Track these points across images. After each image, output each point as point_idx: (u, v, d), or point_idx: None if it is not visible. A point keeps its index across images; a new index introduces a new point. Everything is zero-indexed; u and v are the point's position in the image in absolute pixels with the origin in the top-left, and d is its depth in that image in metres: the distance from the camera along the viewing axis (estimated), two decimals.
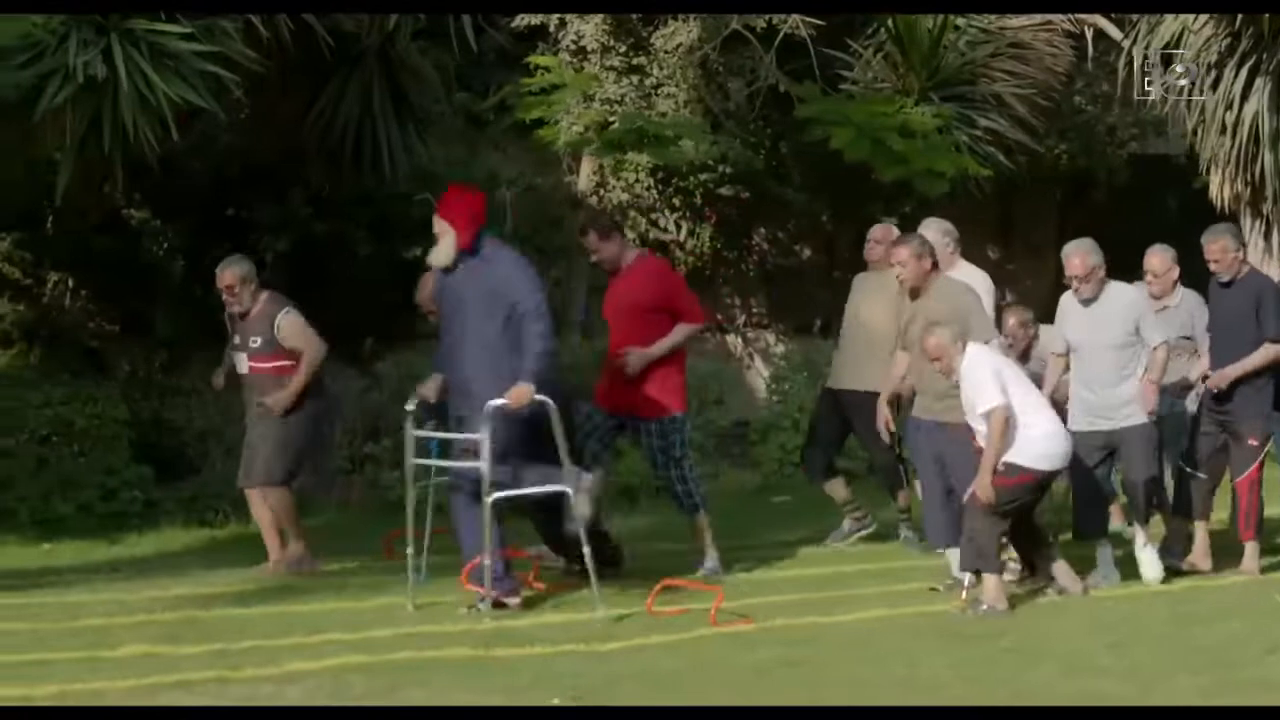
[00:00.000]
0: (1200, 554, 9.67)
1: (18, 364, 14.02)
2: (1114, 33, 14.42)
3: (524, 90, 13.51)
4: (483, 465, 8.46)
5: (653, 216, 15.28)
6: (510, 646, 8.10)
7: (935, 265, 9.11)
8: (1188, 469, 9.71)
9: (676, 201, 15.24)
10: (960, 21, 13.90)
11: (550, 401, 8.55)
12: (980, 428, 8.69)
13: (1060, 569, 9.13)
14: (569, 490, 8.60)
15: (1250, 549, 9.65)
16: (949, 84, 13.75)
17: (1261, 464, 9.63)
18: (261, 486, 9.88)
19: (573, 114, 14.26)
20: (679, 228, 15.30)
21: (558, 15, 14.46)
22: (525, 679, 7.44)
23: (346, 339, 12.39)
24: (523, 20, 14.41)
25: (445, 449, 9.02)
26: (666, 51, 14.66)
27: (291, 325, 9.90)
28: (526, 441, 8.63)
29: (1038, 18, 14.23)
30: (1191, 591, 9.30)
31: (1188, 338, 9.95)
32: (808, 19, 13.80)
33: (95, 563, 10.52)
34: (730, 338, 16.14)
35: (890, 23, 13.89)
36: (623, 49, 14.66)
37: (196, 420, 12.55)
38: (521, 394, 8.43)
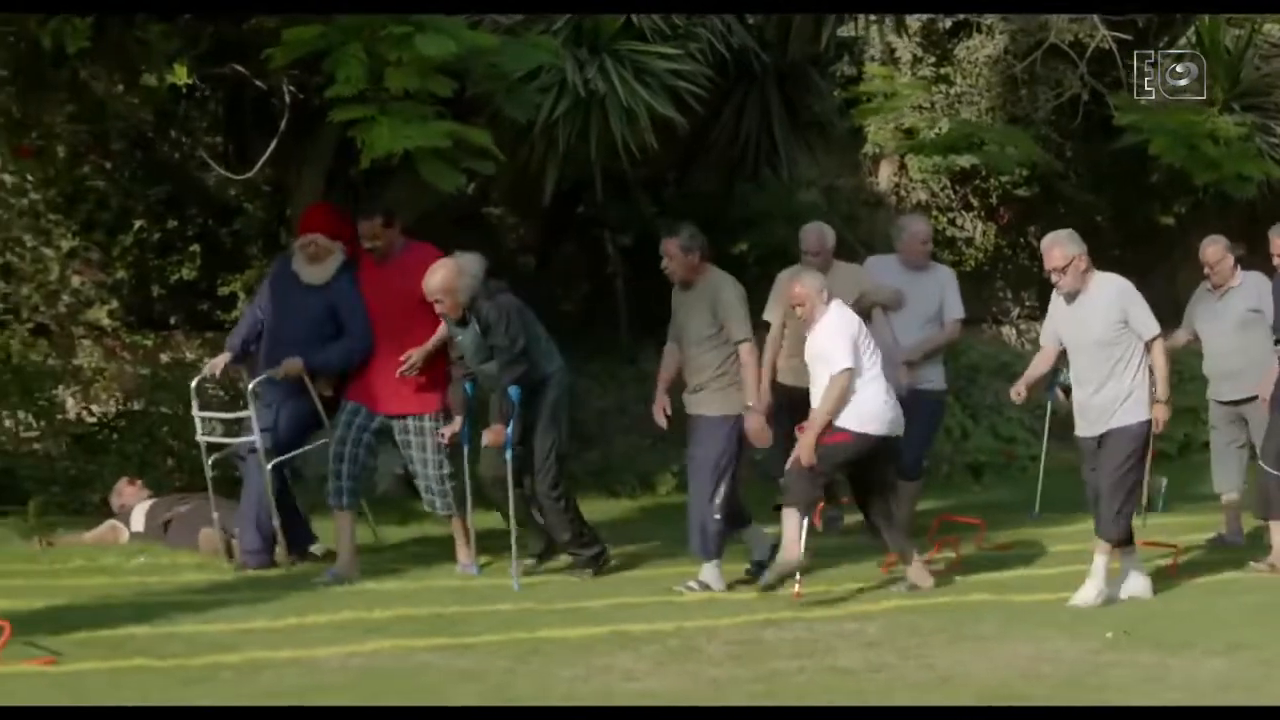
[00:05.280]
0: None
1: None
2: None
3: (862, 97, 14.67)
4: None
5: (950, 215, 16.47)
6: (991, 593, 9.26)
7: (703, 259, 9.26)
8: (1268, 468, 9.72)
9: (974, 201, 16.43)
10: (1258, 37, 14.97)
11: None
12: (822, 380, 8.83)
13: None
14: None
15: None
16: (1248, 94, 14.81)
17: None
18: None
19: (887, 119, 15.49)
20: (974, 226, 16.48)
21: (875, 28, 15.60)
22: (992, 627, 8.38)
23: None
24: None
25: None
26: (969, 63, 15.82)
27: None
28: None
29: None
30: None
31: (1256, 310, 10.22)
32: (1115, 32, 14.90)
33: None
34: (1005, 329, 17.26)
35: (1193, 35, 14.98)
36: (931, 59, 15.85)
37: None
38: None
